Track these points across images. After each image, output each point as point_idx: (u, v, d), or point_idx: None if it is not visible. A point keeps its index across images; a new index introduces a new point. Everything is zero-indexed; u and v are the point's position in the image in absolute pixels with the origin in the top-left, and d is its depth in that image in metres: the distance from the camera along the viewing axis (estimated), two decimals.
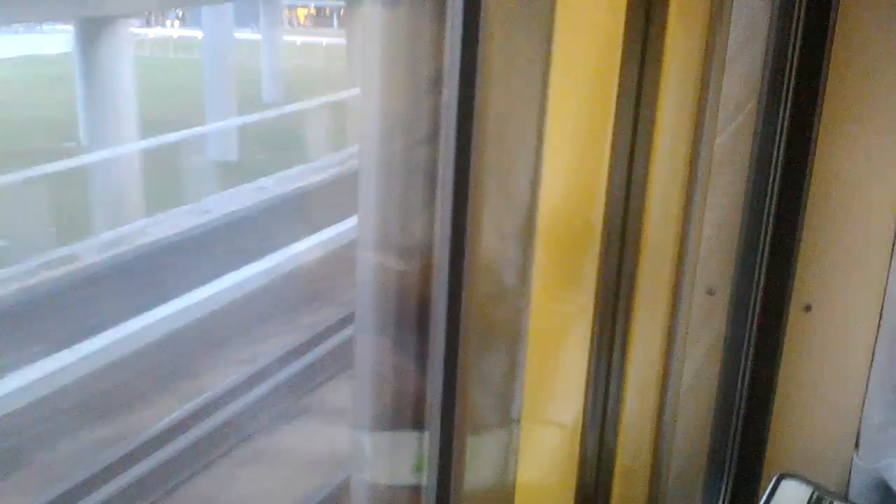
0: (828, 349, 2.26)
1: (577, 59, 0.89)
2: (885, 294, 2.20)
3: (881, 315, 2.20)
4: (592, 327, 1.21)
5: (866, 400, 2.21)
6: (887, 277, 2.19)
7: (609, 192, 1.08)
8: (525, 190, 0.78)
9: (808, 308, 2.26)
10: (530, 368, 0.83)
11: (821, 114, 2.23)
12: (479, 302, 0.72)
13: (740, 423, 2.27)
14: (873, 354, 2.20)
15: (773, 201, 2.29)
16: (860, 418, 2.20)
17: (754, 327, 2.28)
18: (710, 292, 2.35)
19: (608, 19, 0.95)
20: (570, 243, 0.95)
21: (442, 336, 0.69)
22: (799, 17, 2.12)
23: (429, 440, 0.72)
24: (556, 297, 0.92)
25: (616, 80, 1.02)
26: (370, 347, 0.72)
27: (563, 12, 0.78)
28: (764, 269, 2.28)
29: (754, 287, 2.35)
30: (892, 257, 2.19)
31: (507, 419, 0.83)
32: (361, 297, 0.71)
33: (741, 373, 2.31)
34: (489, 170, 0.71)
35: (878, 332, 2.19)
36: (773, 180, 2.30)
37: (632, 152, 1.19)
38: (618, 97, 1.02)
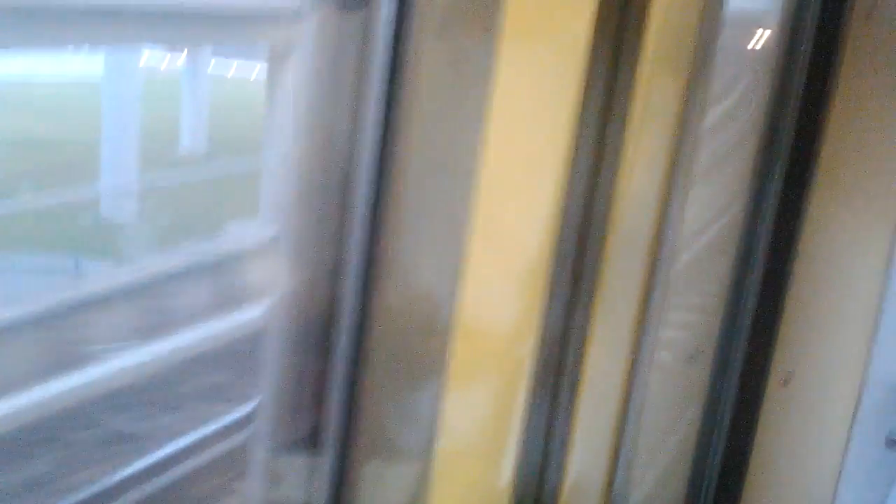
0: (806, 425, 2.22)
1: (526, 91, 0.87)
2: (865, 374, 2.16)
3: (860, 394, 2.16)
4: (535, 371, 1.18)
5: (841, 478, 2.15)
6: (869, 357, 2.16)
7: (563, 221, 1.04)
8: (453, 215, 0.75)
9: (787, 380, 2.22)
10: (451, 400, 0.80)
11: (811, 187, 2.22)
12: (393, 327, 0.70)
13: (711, 493, 2.22)
14: (850, 434, 2.16)
15: (757, 275, 2.26)
16: (834, 496, 2.15)
17: (731, 396, 2.24)
18: (692, 359, 2.31)
19: (566, 46, 0.93)
20: (505, 277, 0.92)
21: (344, 360, 0.66)
22: (796, 81, 2.12)
23: (326, 462, 0.69)
24: (486, 332, 0.89)
25: (577, 93, 0.99)
26: (274, 369, 0.69)
27: (510, 49, 0.76)
28: (744, 340, 2.24)
29: (733, 357, 2.31)
30: (874, 339, 2.16)
31: (421, 450, 0.80)
32: (272, 312, 0.69)
33: (715, 441, 2.26)
34: (410, 188, 0.69)
35: (856, 409, 2.15)
36: (759, 252, 2.28)
37: (595, 179, 1.16)
38: (581, 112, 0.99)
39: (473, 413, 0.85)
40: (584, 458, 1.39)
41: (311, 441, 0.68)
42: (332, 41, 0.65)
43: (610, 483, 1.53)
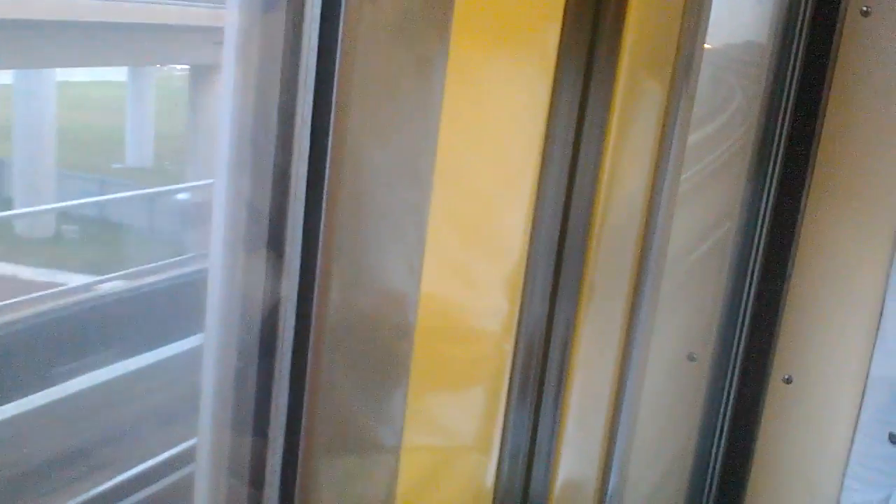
0: (808, 424, 2.19)
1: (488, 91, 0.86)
2: (868, 370, 2.13)
3: (864, 391, 2.13)
4: (516, 372, 1.17)
5: (846, 479, 2.13)
6: (871, 353, 2.13)
7: (540, 219, 1.02)
8: (415, 186, 0.74)
9: (788, 380, 2.19)
10: (415, 394, 0.79)
11: (809, 184, 2.20)
12: (343, 327, 0.69)
13: (714, 494, 2.19)
14: (854, 431, 2.13)
15: (757, 273, 2.24)
16: (838, 498, 2.12)
17: (732, 396, 2.21)
18: (692, 358, 2.29)
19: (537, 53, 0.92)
20: (474, 278, 0.91)
21: (289, 344, 0.65)
22: (791, 89, 2.10)
23: (271, 453, 0.68)
24: (455, 330, 0.88)
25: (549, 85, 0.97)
26: (216, 357, 0.68)
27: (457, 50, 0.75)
28: (745, 339, 2.22)
29: (734, 356, 2.29)
30: (877, 334, 2.13)
31: (384, 454, 0.78)
32: (210, 298, 0.68)
33: (716, 443, 2.24)
34: (354, 186, 0.68)
35: (860, 408, 2.12)
36: (757, 251, 2.26)
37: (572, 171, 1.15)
38: (550, 111, 0.97)
39: (443, 414, 0.84)
40: (574, 460, 1.37)
41: (259, 455, 0.67)
42: (257, 44, 0.64)
43: (603, 484, 1.51)
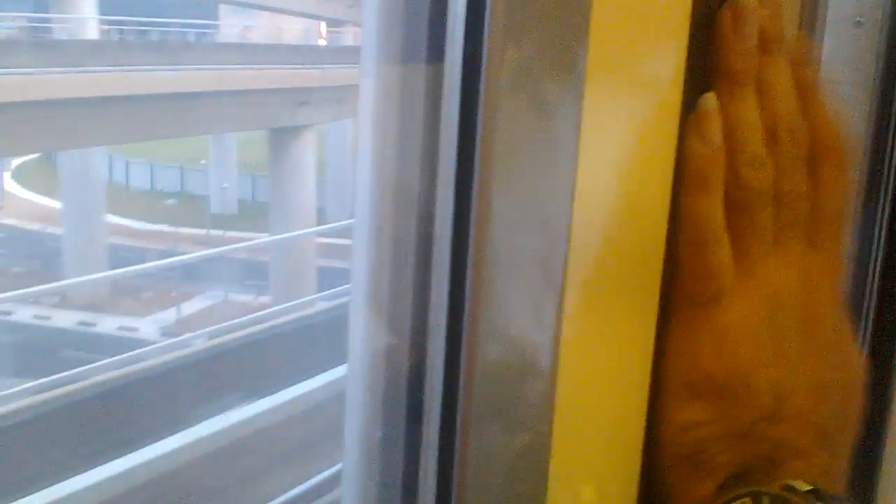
0: None
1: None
2: None
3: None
4: None
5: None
6: None
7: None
8: (546, 265, 0.71)
9: None
10: (560, 446, 0.76)
11: None
12: (488, 379, 0.66)
13: None
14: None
15: (870, 323, 2.13)
16: None
17: None
18: None
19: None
20: (610, 324, 0.87)
21: (438, 405, 0.63)
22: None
23: None
24: (595, 374, 0.84)
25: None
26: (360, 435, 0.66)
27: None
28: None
29: None
30: None
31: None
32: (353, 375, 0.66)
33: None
34: (493, 241, 0.65)
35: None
36: (873, 281, 2.15)
37: None
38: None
39: (589, 460, 0.80)
40: None
41: None
42: (397, 98, 0.62)
43: None
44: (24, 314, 22.41)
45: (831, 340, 0.84)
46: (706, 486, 0.79)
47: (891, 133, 1.94)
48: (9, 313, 22.21)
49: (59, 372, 14.32)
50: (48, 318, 22.53)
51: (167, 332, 20.69)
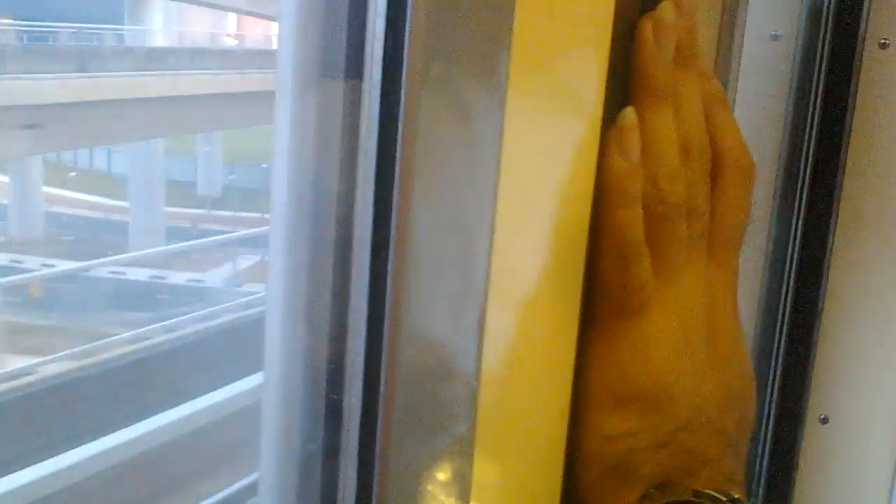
0: (847, 466, 2.14)
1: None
2: None
3: None
4: None
5: None
6: None
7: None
8: (468, 269, 0.72)
9: (824, 420, 2.15)
10: (483, 450, 0.76)
11: (837, 218, 2.17)
12: (407, 381, 0.66)
13: None
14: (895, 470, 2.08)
15: (788, 310, 2.21)
16: None
17: (769, 438, 2.17)
18: None
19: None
20: (532, 332, 0.88)
21: (357, 407, 0.62)
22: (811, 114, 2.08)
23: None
24: (517, 382, 0.85)
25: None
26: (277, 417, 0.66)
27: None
28: (778, 377, 2.18)
29: (769, 395, 2.24)
30: None
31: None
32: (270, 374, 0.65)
33: (756, 487, 2.19)
34: (414, 246, 0.65)
35: None
36: (787, 288, 2.22)
37: None
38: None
39: (512, 469, 0.80)
40: None
41: None
42: (314, 105, 0.62)
43: None
44: (101, 271, 25.97)
45: (732, 350, 0.87)
46: (629, 497, 0.80)
47: (806, 143, 2.00)
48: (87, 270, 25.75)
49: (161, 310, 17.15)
50: (124, 273, 26.13)
51: (230, 282, 24.81)
